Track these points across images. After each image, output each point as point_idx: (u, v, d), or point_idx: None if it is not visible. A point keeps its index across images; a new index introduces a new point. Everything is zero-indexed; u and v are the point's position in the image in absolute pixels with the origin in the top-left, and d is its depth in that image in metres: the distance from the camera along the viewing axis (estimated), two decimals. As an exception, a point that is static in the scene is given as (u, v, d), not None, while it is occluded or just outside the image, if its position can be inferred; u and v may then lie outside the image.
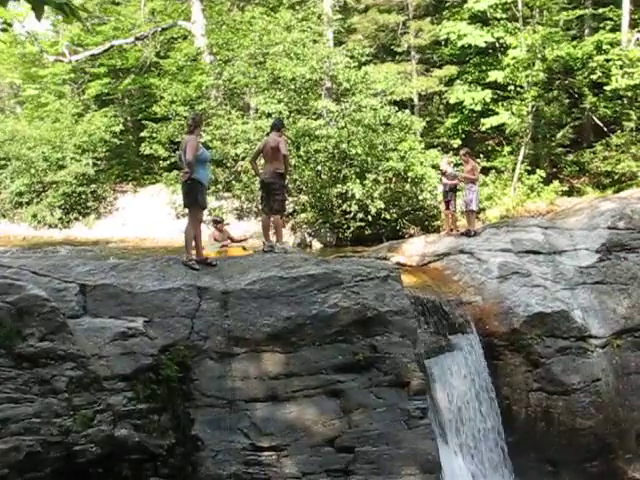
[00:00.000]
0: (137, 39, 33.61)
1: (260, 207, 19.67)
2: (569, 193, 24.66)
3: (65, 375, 7.54)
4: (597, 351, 12.77)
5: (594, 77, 25.11)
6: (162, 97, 30.14)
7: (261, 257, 10.26)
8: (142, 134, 31.21)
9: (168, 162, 28.29)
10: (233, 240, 16.05)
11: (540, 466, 12.17)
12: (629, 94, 24.54)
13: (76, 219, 32.47)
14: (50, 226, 31.99)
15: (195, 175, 9.68)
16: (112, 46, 34.27)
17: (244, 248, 14.81)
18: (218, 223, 16.13)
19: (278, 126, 11.93)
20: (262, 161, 12.12)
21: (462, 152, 15.81)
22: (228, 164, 25.02)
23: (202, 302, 8.73)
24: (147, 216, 29.58)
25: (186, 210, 20.65)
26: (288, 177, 20.98)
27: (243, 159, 22.67)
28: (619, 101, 25.37)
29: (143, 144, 30.52)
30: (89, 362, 7.78)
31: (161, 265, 9.48)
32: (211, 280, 9.10)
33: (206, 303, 8.72)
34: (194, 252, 9.86)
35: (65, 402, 7.41)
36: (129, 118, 36.37)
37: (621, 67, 24.00)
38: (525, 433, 12.19)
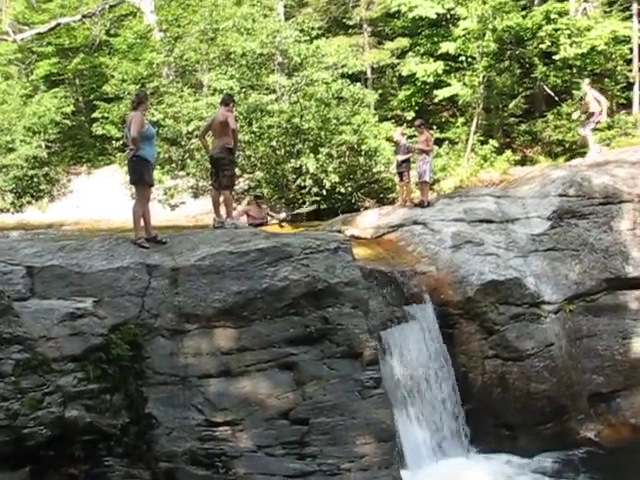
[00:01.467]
0: (84, 17, 32.85)
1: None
2: (522, 162, 24.86)
3: (12, 358, 7.43)
4: (550, 316, 12.98)
5: (543, 47, 25.21)
6: (113, 76, 29.64)
7: (211, 233, 10.19)
8: (94, 115, 30.71)
9: (121, 142, 27.86)
10: (272, 217, 15.75)
11: (497, 431, 12.38)
12: (578, 63, 24.72)
13: (29, 203, 31.84)
14: (2, 211, 31.35)
15: (140, 152, 9.55)
16: (59, 24, 33.43)
17: (281, 226, 14.50)
18: (259, 199, 15.91)
19: (227, 101, 11.85)
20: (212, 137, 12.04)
21: (417, 123, 15.85)
22: (182, 142, 24.77)
23: (152, 280, 8.65)
24: (102, 198, 29.16)
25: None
26: (240, 153, 20.89)
27: (196, 137, 22.44)
28: (568, 70, 25.57)
29: (95, 125, 30.03)
30: (37, 344, 7.67)
31: (110, 244, 9.35)
32: (160, 257, 9.01)
33: (156, 281, 8.64)
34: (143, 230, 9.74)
35: (12, 385, 7.31)
36: (80, 98, 35.67)
37: (569, 36, 24.13)
38: (482, 399, 12.37)
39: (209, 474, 7.98)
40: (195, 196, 24.60)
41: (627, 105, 25.19)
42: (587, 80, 18.19)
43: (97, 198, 29.56)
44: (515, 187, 15.40)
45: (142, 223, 9.73)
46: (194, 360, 8.32)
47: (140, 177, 9.76)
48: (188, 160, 24.27)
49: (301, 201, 20.04)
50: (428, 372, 11.95)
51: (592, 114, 17.34)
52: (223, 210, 11.68)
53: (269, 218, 15.29)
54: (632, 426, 13.18)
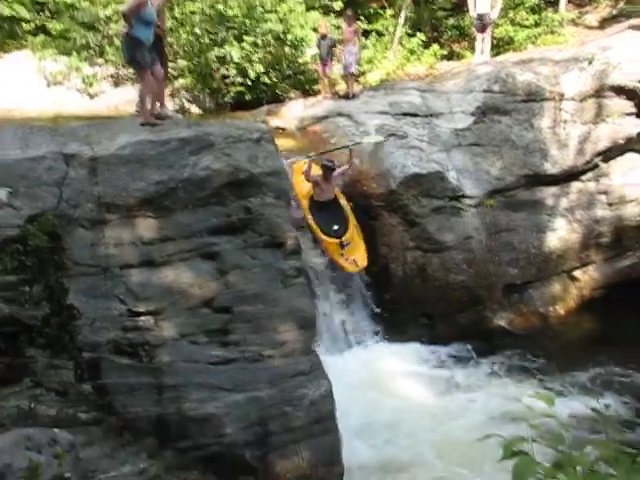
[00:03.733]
0: None
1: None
2: (449, 57, 24.74)
3: None
4: (470, 210, 13.29)
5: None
6: (19, -51, 27.77)
7: (131, 121, 9.94)
8: (-1, -7, 28.98)
9: (33, 25, 26.39)
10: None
11: (416, 320, 12.82)
12: (509, -43, 24.46)
13: None
14: None
15: (133, 31, 9.40)
16: None
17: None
18: (330, 170, 11.79)
19: None
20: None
21: (348, 13, 15.55)
22: (99, 27, 23.63)
23: (70, 169, 8.39)
24: (14, 85, 27.76)
25: (59, 78, 19.45)
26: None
27: (116, 22, 21.46)
28: (500, -36, 25.28)
29: (1, 4, 28.33)
30: (-52, 238, 7.45)
31: (24, 133, 9.03)
32: (79, 147, 8.74)
33: (74, 170, 8.38)
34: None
35: None
36: (-14, -25, 33.49)
37: None
38: (402, 290, 12.73)
39: (133, 363, 8.00)
40: (116, 85, 23.73)
41: (554, 2, 25.16)
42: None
43: (9, 85, 28.15)
44: (441, 82, 15.41)
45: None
46: (115, 250, 8.20)
47: (131, 57, 9.69)
48: (107, 47, 23.27)
49: (225, 91, 19.55)
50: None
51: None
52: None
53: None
54: (541, 314, 13.87)
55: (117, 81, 23.70)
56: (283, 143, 11.95)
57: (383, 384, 10.76)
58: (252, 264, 8.48)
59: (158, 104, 11.14)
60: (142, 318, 8.13)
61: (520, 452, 3.08)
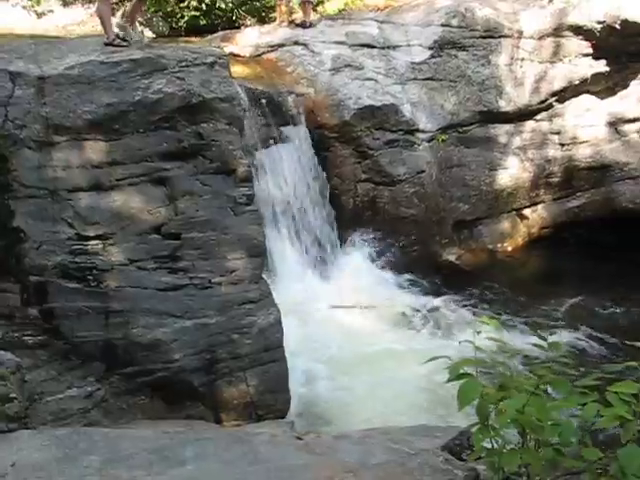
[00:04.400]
0: None
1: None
2: (409, -11, 24.44)
3: None
4: (423, 145, 13.32)
5: None
6: None
7: (81, 41, 9.64)
8: None
9: None
10: None
11: (365, 252, 12.94)
12: None
13: None
14: None
15: None
16: None
17: None
18: None
19: None
20: None
21: None
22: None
23: (16, 88, 8.10)
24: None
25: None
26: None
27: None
28: None
29: None
30: None
31: (-35, 49, 8.69)
32: (25, 65, 8.42)
33: (21, 89, 8.09)
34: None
35: None
36: None
37: None
38: (352, 223, 12.80)
39: (80, 287, 7.93)
40: (65, 4, 22.89)
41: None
42: None
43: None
44: (400, 14, 15.18)
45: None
46: (64, 173, 8.02)
47: None
48: (55, -38, 22.37)
49: (179, 15, 19.04)
50: (302, 192, 12.22)
51: None
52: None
53: None
54: (489, 251, 14.13)
55: (66, 0, 22.87)
56: (237, 70, 11.74)
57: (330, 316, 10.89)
58: (203, 190, 8.39)
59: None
60: (90, 242, 8.04)
61: (466, 374, 3.17)
